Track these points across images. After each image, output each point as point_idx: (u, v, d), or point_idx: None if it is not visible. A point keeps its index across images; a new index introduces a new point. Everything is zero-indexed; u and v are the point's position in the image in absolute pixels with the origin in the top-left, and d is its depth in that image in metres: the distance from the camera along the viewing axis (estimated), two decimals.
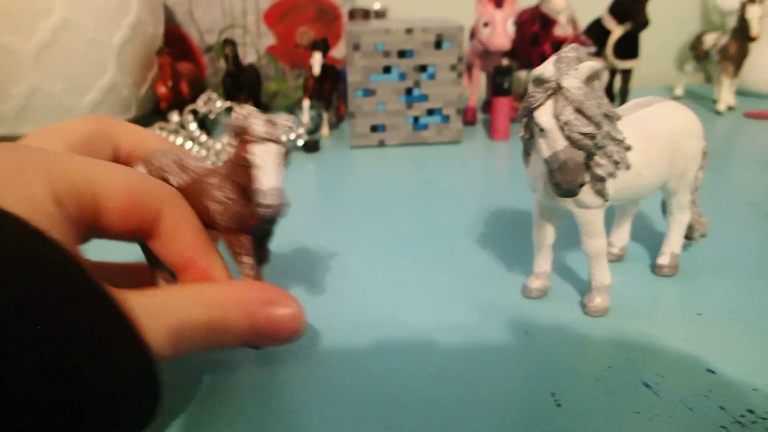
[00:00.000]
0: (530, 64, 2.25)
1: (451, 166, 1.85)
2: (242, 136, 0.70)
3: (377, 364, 0.87)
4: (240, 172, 0.71)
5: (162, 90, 1.88)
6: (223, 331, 0.63)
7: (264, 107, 2.57)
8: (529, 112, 0.80)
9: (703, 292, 1.04)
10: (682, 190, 1.04)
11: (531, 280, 1.04)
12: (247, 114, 0.70)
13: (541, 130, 0.79)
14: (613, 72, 2.36)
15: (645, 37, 2.71)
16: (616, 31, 2.16)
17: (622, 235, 1.16)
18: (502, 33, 2.06)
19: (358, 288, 1.09)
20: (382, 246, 1.27)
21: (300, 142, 1.95)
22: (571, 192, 0.79)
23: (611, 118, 0.85)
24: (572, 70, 0.76)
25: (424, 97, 1.99)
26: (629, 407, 0.76)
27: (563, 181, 0.78)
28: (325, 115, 2.16)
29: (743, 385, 0.79)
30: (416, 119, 2.02)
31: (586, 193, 0.88)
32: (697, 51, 2.65)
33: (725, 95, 2.45)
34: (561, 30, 2.15)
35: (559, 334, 0.93)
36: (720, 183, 1.63)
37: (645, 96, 1.04)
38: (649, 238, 1.25)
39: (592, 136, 0.77)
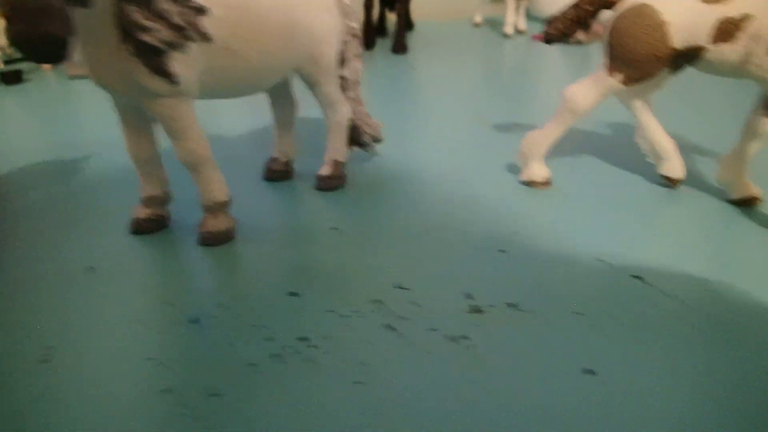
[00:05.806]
0: None
1: None
2: None
3: None
4: None
5: None
6: None
7: None
8: None
9: (336, 210, 0.88)
10: (324, 79, 0.84)
11: (138, 210, 0.80)
12: None
13: None
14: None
15: None
16: None
17: (285, 148, 0.96)
18: None
19: None
20: None
21: None
22: (33, 45, 0.53)
23: None
24: None
25: None
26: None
27: (15, 31, 0.52)
28: None
29: (320, 307, 0.64)
30: None
31: (144, 75, 0.63)
32: None
33: (511, 18, 2.40)
34: None
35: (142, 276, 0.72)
36: (453, 102, 1.49)
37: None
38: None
39: None
